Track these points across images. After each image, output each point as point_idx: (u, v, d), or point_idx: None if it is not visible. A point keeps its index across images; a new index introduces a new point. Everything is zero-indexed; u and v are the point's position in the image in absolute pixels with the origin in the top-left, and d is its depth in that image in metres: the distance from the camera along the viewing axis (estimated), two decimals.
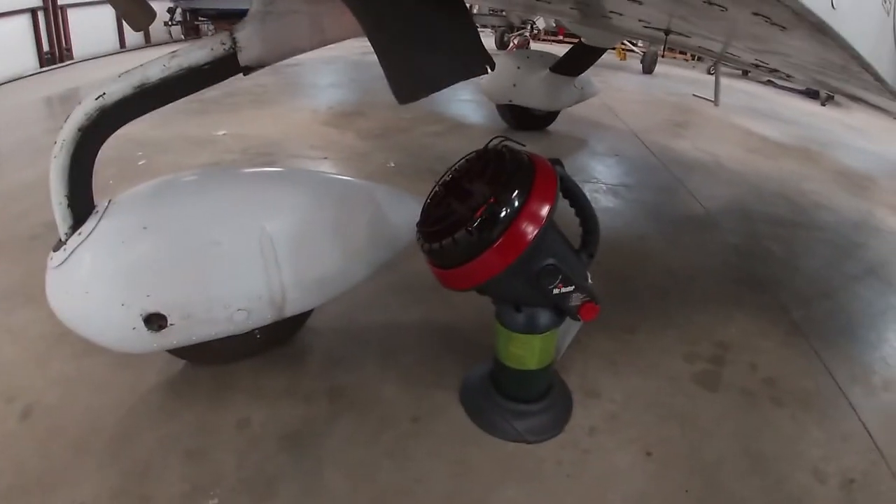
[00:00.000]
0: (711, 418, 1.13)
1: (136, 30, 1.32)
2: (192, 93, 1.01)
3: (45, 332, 1.21)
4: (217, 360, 1.15)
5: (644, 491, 0.96)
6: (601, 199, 2.16)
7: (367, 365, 1.19)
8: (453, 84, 0.79)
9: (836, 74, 1.13)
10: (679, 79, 4.99)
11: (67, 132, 0.91)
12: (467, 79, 0.80)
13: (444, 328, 1.31)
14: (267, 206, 1.04)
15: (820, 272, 1.76)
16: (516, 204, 0.81)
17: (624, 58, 5.19)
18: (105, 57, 4.60)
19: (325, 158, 2.38)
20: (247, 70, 1.04)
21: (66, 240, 0.93)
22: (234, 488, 0.92)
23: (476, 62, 0.82)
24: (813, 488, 1.00)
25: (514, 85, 2.65)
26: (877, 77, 0.92)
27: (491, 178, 0.87)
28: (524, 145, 0.92)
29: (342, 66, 4.28)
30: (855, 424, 1.15)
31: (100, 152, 0.95)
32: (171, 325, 0.95)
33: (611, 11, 1.18)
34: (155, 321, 0.94)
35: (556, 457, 1.00)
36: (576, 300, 0.88)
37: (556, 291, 0.86)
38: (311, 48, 1.11)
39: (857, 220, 2.20)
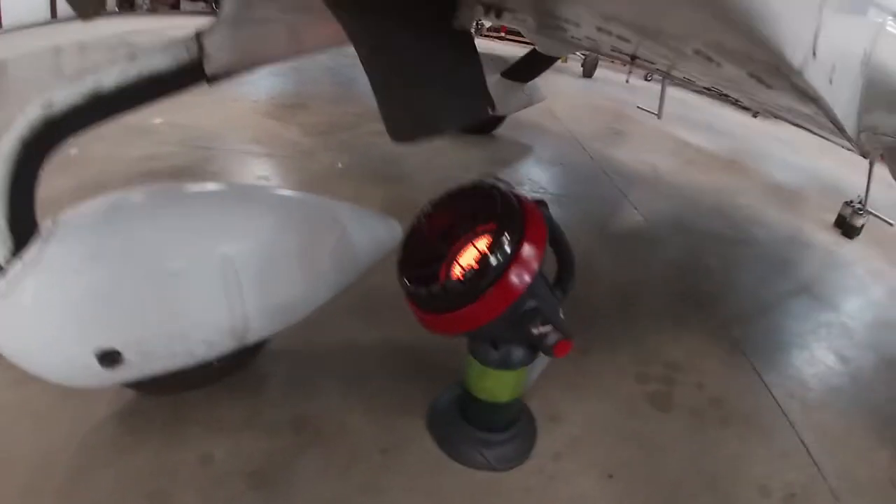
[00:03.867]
0: (666, 440, 1.22)
1: (84, 18, 1.25)
2: (151, 103, 0.96)
3: None
4: (171, 390, 1.11)
5: None
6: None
7: (329, 391, 1.19)
8: (454, 128, 0.81)
9: (796, 116, 1.22)
10: (618, 84, 5.21)
11: (7, 145, 0.84)
12: (469, 122, 0.82)
13: (405, 349, 1.33)
14: (228, 230, 1.00)
15: (756, 289, 1.92)
16: (508, 253, 0.83)
17: (565, 60, 5.36)
18: (36, 27, 4.27)
19: (270, 156, 2.34)
20: (212, 79, 1.00)
21: (7, 267, 0.87)
22: None
23: (477, 102, 0.83)
24: (758, 503, 1.11)
25: None
26: (839, 126, 1.00)
27: (482, 221, 0.90)
28: (512, 185, 0.95)
29: None
30: (794, 440, 1.27)
31: None
32: (127, 360, 0.90)
33: (586, 37, 1.21)
34: (109, 358, 0.89)
35: (524, 484, 1.05)
36: (552, 339, 0.92)
37: (535, 332, 0.90)
38: (285, 58, 1.08)
39: (788, 235, 2.40)
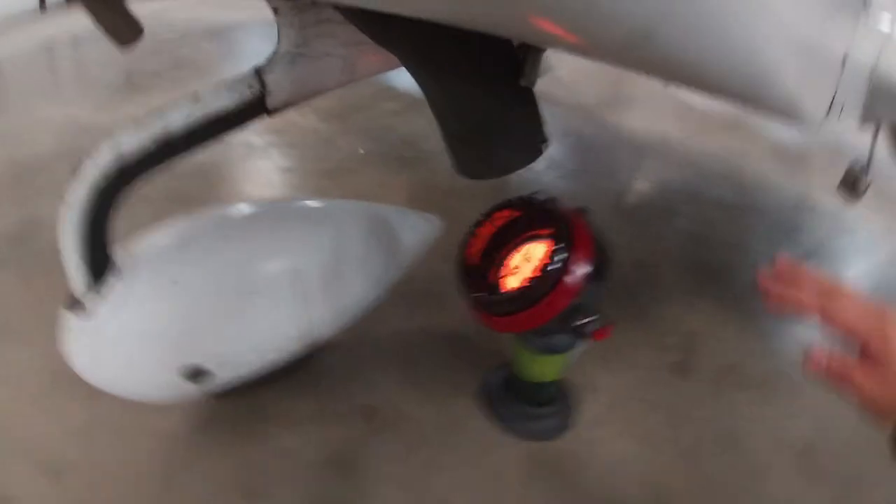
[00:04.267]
0: (688, 406, 1.36)
1: (123, 46, 1.31)
2: (216, 140, 1.02)
3: (38, 369, 1.25)
4: (243, 390, 1.20)
5: (644, 472, 1.21)
6: (564, 185, 2.34)
7: (385, 381, 1.34)
8: (522, 168, 0.91)
9: None
10: None
11: (80, 193, 0.88)
12: (534, 161, 0.93)
13: (448, 335, 1.48)
14: (296, 245, 1.11)
15: (767, 257, 2.03)
16: (564, 260, 0.95)
17: None
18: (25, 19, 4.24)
19: (290, 145, 2.42)
20: (272, 112, 1.05)
21: (87, 300, 0.93)
22: None
23: (538, 146, 0.94)
24: (774, 459, 1.26)
25: None
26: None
27: (530, 230, 1.03)
28: (556, 197, 1.06)
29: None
30: (804, 401, 1.41)
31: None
32: (211, 374, 1.01)
33: None
34: (194, 374, 0.99)
35: (569, 449, 1.21)
36: (592, 327, 1.04)
37: (577, 323, 1.02)
38: (339, 86, 1.16)
39: (795, 200, 2.50)
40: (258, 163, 2.31)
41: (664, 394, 1.38)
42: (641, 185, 2.45)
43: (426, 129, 2.73)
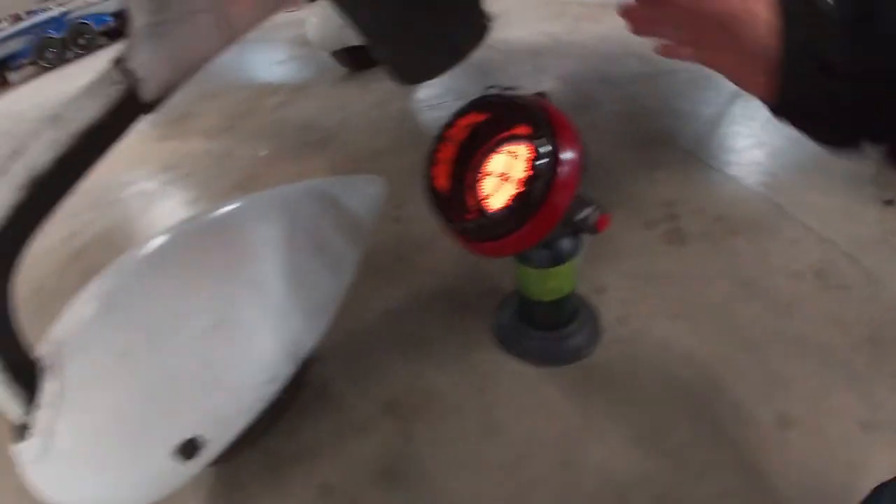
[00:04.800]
0: (696, 267, 1.32)
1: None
2: (97, 161, 0.83)
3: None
4: (250, 443, 1.04)
5: (690, 343, 1.14)
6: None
7: (396, 365, 1.21)
8: (474, 49, 0.77)
9: None
10: None
11: None
12: (482, 40, 0.79)
13: (437, 292, 1.36)
14: (247, 257, 0.91)
15: (697, 109, 2.03)
16: (552, 156, 0.81)
17: None
18: None
19: (188, 175, 2.20)
20: (151, 106, 0.86)
21: (31, 420, 0.75)
22: None
23: (483, 22, 0.80)
24: (798, 287, 1.24)
25: (344, 26, 2.59)
26: None
27: (510, 132, 0.88)
28: (514, 88, 0.91)
29: None
30: (799, 227, 1.40)
31: None
32: (207, 440, 0.81)
33: None
34: (188, 449, 0.79)
35: (612, 357, 1.13)
36: (593, 217, 0.93)
37: (579, 219, 0.91)
38: (221, 49, 0.97)
39: None
40: (160, 206, 2.08)
41: (671, 266, 1.33)
42: (553, 84, 2.39)
43: (319, 113, 2.56)
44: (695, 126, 1.92)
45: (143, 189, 2.16)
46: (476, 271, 1.39)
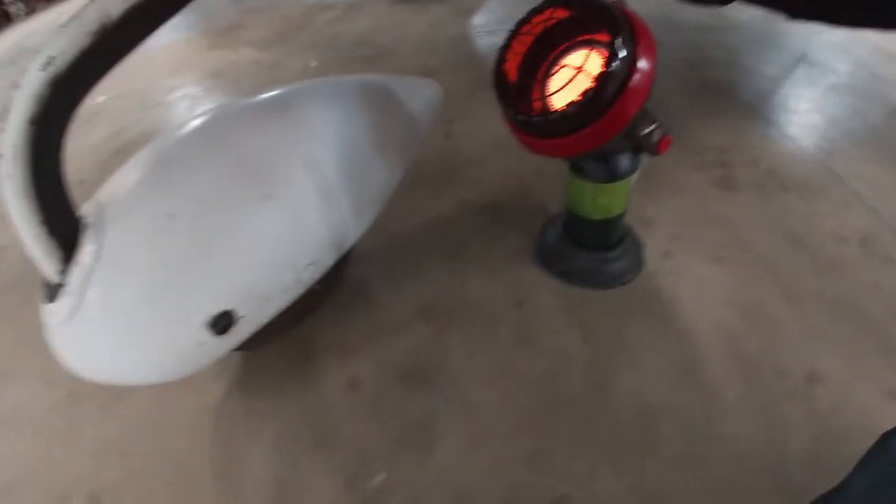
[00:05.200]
0: (745, 215, 1.31)
1: None
2: (167, 20, 0.77)
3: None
4: (281, 332, 1.00)
5: (731, 286, 1.15)
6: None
7: (435, 271, 1.21)
8: None
9: None
10: None
11: (15, 133, 0.63)
12: None
13: (480, 204, 1.36)
14: (303, 134, 0.89)
15: (760, 66, 1.97)
16: (629, 60, 0.79)
17: None
18: None
19: (236, 82, 2.14)
20: None
21: (65, 278, 0.71)
22: (395, 451, 0.92)
23: None
24: (843, 251, 1.23)
25: None
26: None
27: (589, 34, 0.86)
28: None
29: None
30: (848, 193, 1.39)
31: None
32: (241, 316, 0.79)
33: None
34: (221, 322, 0.77)
35: (653, 286, 1.14)
36: (656, 136, 0.92)
37: (643, 132, 0.90)
38: None
39: (765, 13, 2.41)
40: (205, 110, 2.03)
41: (720, 210, 1.32)
42: None
43: (375, 27, 2.48)
44: (757, 82, 1.87)
45: (189, 93, 2.11)
46: (524, 189, 1.38)
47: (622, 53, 0.79)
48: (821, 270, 1.19)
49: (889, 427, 0.58)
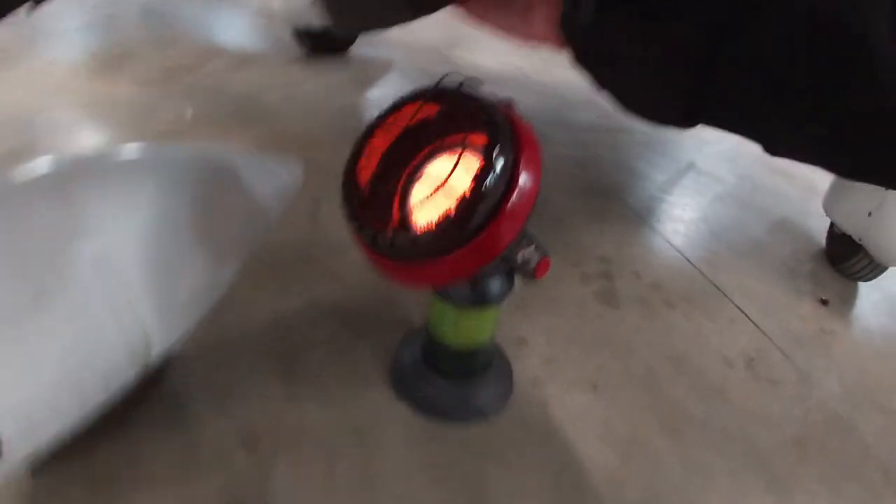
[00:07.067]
0: (627, 334, 1.22)
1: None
2: None
3: None
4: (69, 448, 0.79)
5: (607, 417, 1.02)
6: None
7: (268, 387, 1.01)
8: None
9: None
10: None
11: None
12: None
13: (335, 308, 1.18)
14: (96, 224, 0.72)
15: (648, 172, 1.98)
16: (508, 176, 0.65)
17: None
18: None
19: (104, 119, 1.94)
20: None
21: None
22: None
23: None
24: (727, 373, 1.15)
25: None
26: None
27: (461, 134, 0.70)
28: (482, 82, 0.73)
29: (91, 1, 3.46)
30: (732, 309, 1.34)
31: None
32: (7, 439, 0.62)
33: None
34: None
35: (520, 419, 0.99)
36: (534, 260, 0.80)
37: (520, 258, 0.77)
38: None
39: None
40: (63, 142, 1.81)
41: (599, 329, 1.22)
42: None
43: (264, 83, 2.37)
44: (645, 187, 1.87)
45: (57, 124, 1.89)
46: (387, 292, 1.23)
47: (500, 166, 0.64)
48: (705, 396, 1.10)
49: None
